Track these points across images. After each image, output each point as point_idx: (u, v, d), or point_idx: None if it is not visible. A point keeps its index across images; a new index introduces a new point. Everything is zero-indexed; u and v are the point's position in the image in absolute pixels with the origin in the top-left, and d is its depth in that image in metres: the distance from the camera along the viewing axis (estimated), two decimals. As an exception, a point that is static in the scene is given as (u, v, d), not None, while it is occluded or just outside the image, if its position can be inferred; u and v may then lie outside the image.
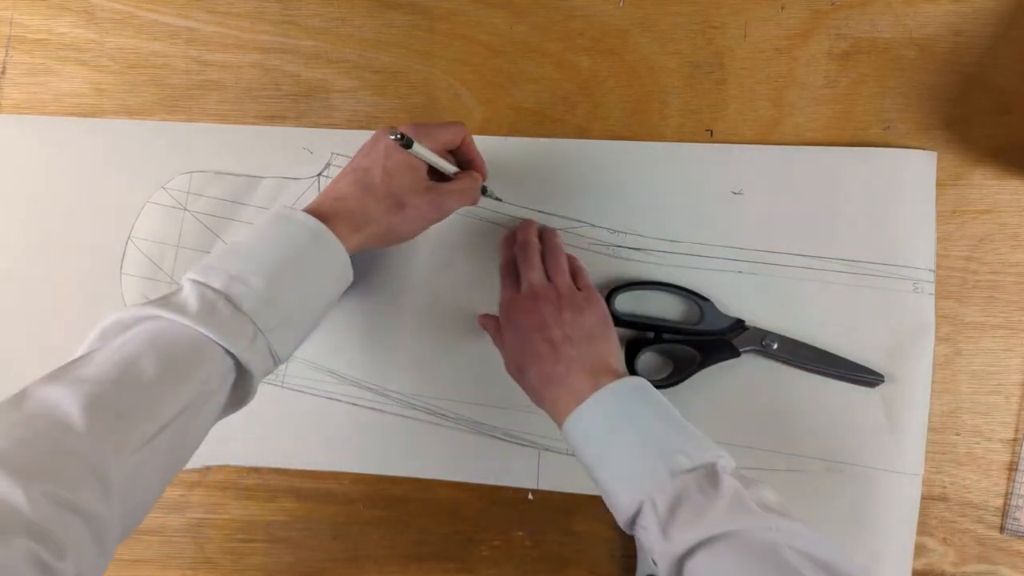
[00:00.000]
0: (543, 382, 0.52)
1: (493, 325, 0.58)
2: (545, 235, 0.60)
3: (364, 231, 0.52)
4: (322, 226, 0.50)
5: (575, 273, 0.58)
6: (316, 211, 0.51)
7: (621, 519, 0.47)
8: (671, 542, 0.44)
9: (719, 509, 0.43)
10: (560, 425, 0.51)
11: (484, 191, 0.60)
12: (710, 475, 0.45)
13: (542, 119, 0.65)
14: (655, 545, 0.45)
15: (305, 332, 0.51)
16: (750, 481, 0.46)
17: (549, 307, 0.54)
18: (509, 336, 0.55)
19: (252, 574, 0.62)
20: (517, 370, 0.54)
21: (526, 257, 0.57)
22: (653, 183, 0.63)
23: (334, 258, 0.51)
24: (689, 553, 0.43)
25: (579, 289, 0.56)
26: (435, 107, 0.65)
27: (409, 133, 0.52)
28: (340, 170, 0.55)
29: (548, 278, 0.56)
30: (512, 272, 0.58)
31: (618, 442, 0.48)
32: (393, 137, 0.50)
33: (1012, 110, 0.63)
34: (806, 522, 0.44)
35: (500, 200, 0.63)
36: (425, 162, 0.54)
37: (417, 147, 0.52)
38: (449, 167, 0.56)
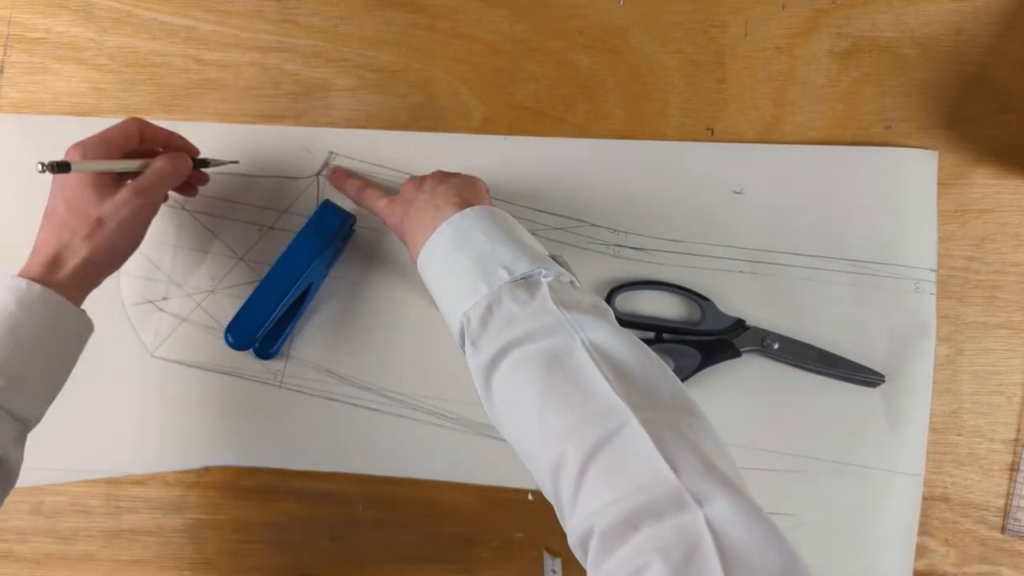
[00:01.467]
0: (408, 223, 0.52)
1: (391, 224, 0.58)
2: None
3: (71, 264, 0.51)
4: (19, 282, 0.49)
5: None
6: (25, 270, 0.51)
7: (458, 344, 0.47)
8: (479, 352, 0.44)
9: (525, 315, 0.43)
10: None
11: (206, 163, 0.59)
12: (527, 284, 0.45)
13: (542, 118, 0.64)
14: (469, 361, 0.45)
15: (52, 388, 0.51)
16: (568, 287, 0.45)
17: (428, 178, 0.55)
18: (400, 210, 0.55)
19: (251, 575, 0.62)
20: (402, 232, 0.54)
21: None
22: (654, 182, 0.63)
23: (46, 311, 0.49)
24: (493, 363, 0.43)
25: None
26: (435, 106, 0.65)
27: (72, 154, 0.51)
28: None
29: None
30: (372, 190, 0.59)
31: (449, 265, 0.48)
32: (40, 169, 0.48)
33: (1014, 109, 0.62)
34: (615, 326, 0.44)
35: (236, 162, 0.62)
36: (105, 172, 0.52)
37: (77, 165, 0.50)
38: (129, 164, 0.54)
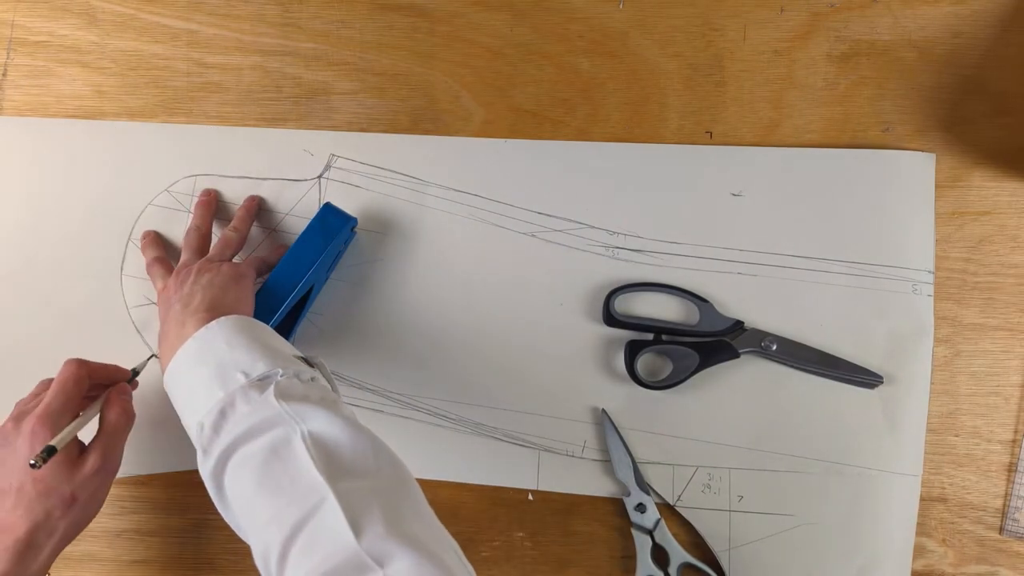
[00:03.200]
0: (161, 337, 0.51)
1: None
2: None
3: (46, 547, 0.50)
4: None
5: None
6: None
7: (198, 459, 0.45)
8: (208, 458, 0.43)
9: (250, 413, 0.42)
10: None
11: (135, 372, 0.58)
12: (261, 385, 0.44)
13: (542, 121, 0.65)
14: (200, 471, 0.43)
15: None
16: (295, 382, 0.45)
17: (191, 272, 0.54)
18: (161, 311, 0.55)
19: (252, 575, 0.62)
20: (158, 340, 0.53)
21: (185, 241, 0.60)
22: (653, 185, 0.63)
23: None
24: (220, 466, 0.42)
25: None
26: (435, 109, 0.65)
27: (44, 433, 0.49)
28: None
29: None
30: (159, 268, 0.60)
31: (190, 379, 0.47)
32: (35, 464, 0.47)
33: (1011, 112, 0.63)
34: (340, 405, 0.44)
35: (154, 356, 0.61)
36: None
37: (60, 443, 0.48)
38: (92, 414, 0.53)
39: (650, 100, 0.64)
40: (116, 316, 0.63)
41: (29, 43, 0.67)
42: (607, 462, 0.60)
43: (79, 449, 0.52)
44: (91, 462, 0.51)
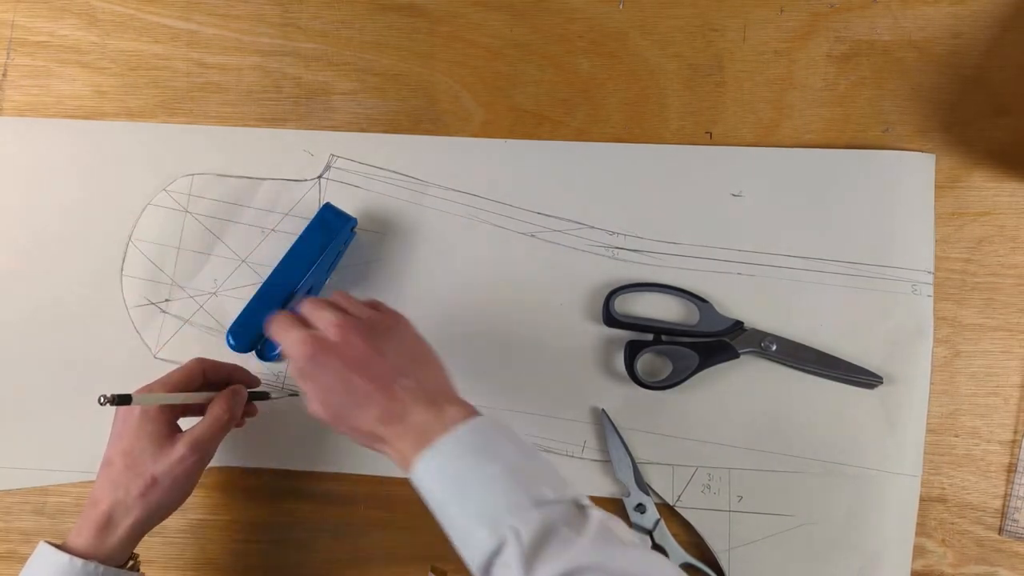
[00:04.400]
0: (378, 423, 0.46)
1: (293, 371, 0.49)
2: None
3: (122, 526, 0.50)
4: (70, 561, 0.48)
5: (367, 302, 0.52)
6: (74, 533, 0.50)
7: (477, 560, 0.42)
8: (535, 572, 0.40)
9: (585, 542, 0.40)
10: (407, 466, 0.45)
11: (262, 396, 0.58)
12: (577, 508, 0.43)
13: (542, 121, 0.65)
14: (502, 572, 0.41)
15: None
16: (609, 516, 0.44)
17: (359, 339, 0.47)
18: (319, 380, 0.47)
19: (253, 575, 0.62)
20: (335, 417, 0.47)
21: (314, 301, 0.50)
22: (652, 185, 0.63)
23: None
24: None
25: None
26: (435, 109, 0.65)
27: (135, 392, 0.49)
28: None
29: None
30: (292, 320, 0.50)
31: (477, 476, 0.43)
32: (102, 401, 0.46)
33: (1011, 112, 0.63)
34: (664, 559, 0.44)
35: (273, 398, 0.59)
36: (167, 406, 0.51)
37: (138, 397, 0.48)
38: (194, 398, 0.53)
39: (650, 100, 0.64)
40: (116, 316, 0.63)
41: (29, 43, 0.67)
42: (607, 462, 0.60)
43: (171, 432, 0.52)
44: (179, 448, 0.51)
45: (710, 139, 0.64)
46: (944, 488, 0.60)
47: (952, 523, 0.60)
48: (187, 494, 0.53)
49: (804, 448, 0.60)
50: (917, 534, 0.59)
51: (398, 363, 0.47)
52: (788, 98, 0.64)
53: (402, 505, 0.62)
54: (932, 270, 0.61)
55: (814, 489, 0.59)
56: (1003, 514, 0.60)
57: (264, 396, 0.59)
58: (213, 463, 0.62)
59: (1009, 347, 0.61)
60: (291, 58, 0.66)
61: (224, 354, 0.61)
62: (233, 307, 0.62)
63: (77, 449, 0.62)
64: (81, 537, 0.50)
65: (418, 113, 0.65)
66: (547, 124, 0.65)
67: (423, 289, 0.63)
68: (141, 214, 0.64)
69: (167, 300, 0.63)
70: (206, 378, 0.55)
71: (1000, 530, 0.60)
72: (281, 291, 0.58)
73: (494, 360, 0.62)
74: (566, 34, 0.65)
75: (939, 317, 0.61)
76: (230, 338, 0.58)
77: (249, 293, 0.60)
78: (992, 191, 0.62)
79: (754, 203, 0.63)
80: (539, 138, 0.64)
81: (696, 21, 0.65)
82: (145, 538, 0.62)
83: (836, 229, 0.62)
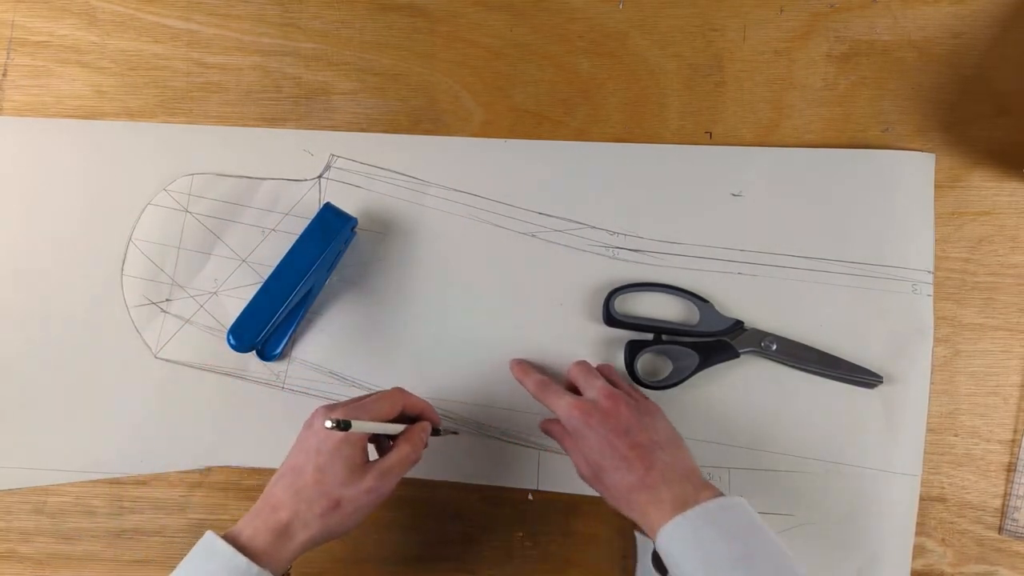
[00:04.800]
0: (632, 488, 0.50)
1: (558, 430, 0.56)
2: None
3: (298, 538, 0.50)
4: (248, 565, 0.47)
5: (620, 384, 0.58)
6: (249, 532, 0.49)
7: None
8: None
9: None
10: (652, 532, 0.49)
11: (438, 432, 0.58)
12: None
13: (542, 121, 0.65)
14: None
15: None
16: None
17: (628, 411, 0.53)
18: (588, 441, 0.53)
19: (253, 575, 0.62)
20: (594, 476, 0.53)
21: (586, 368, 0.57)
22: (652, 185, 0.63)
23: None
24: None
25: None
26: (435, 109, 0.65)
27: (344, 414, 0.50)
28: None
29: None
30: (554, 386, 0.56)
31: (720, 552, 0.46)
32: (330, 425, 0.47)
33: (1011, 112, 0.63)
34: None
35: (456, 433, 0.61)
36: (366, 434, 0.52)
37: (356, 424, 0.49)
38: (393, 428, 0.54)
39: (650, 100, 0.65)
40: (116, 316, 0.63)
41: (29, 43, 0.67)
42: (607, 462, 0.60)
43: (363, 460, 0.52)
44: (368, 478, 0.51)
45: (710, 139, 0.64)
46: (944, 487, 0.60)
47: (952, 522, 0.60)
48: (359, 523, 0.53)
49: (804, 447, 0.60)
50: (917, 533, 0.59)
51: (657, 439, 0.52)
52: (788, 98, 0.64)
53: (401, 505, 0.62)
54: (931, 269, 0.61)
55: (814, 488, 0.60)
56: (1003, 513, 0.60)
57: (437, 432, 0.58)
58: (214, 463, 0.62)
59: (1009, 346, 0.61)
60: (291, 58, 0.66)
61: (227, 354, 0.61)
62: (234, 307, 0.62)
63: (77, 449, 0.62)
64: (259, 539, 0.49)
65: (418, 113, 0.65)
66: (547, 124, 0.65)
67: (423, 288, 0.63)
68: (141, 214, 0.64)
69: (167, 300, 0.63)
70: (405, 408, 0.55)
71: (1000, 529, 0.60)
72: (282, 291, 0.58)
73: (494, 360, 0.62)
74: (566, 34, 0.65)
75: (939, 317, 0.61)
76: (231, 338, 0.58)
77: (249, 293, 0.60)
78: (992, 191, 0.62)
79: (754, 203, 0.63)
80: (539, 138, 0.64)
81: (696, 21, 0.65)
82: (144, 538, 0.62)
83: (836, 229, 0.62)
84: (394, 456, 0.52)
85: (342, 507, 0.50)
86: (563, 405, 0.54)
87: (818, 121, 0.64)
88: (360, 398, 0.54)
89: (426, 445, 0.55)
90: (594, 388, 0.55)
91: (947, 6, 0.64)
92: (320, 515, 0.50)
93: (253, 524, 0.50)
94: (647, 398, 0.57)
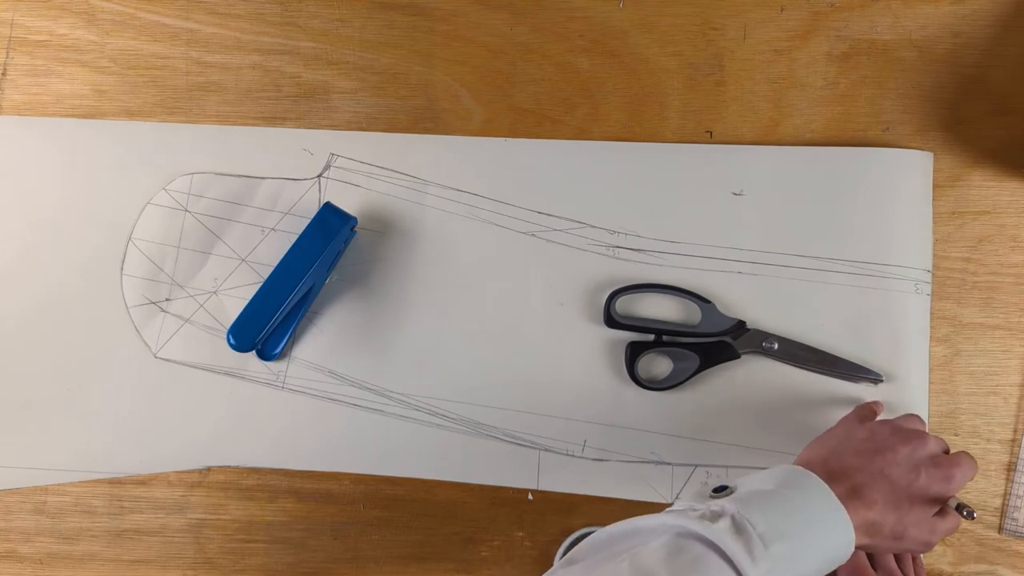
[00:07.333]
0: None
1: None
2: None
3: (876, 538, 0.47)
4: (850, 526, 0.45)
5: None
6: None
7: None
8: None
9: None
10: None
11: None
12: None
13: (542, 120, 0.65)
14: None
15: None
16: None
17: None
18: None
19: (253, 574, 0.62)
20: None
21: None
22: (653, 184, 0.63)
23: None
24: None
25: None
26: (435, 108, 0.65)
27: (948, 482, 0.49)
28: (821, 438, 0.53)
29: None
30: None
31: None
32: (967, 516, 0.48)
33: (1011, 111, 0.63)
34: None
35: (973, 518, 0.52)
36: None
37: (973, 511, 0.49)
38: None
39: (650, 99, 0.64)
40: (116, 315, 0.63)
41: (28, 42, 0.67)
42: (607, 462, 0.60)
43: None
44: (929, 524, 0.49)
45: (710, 138, 0.64)
46: (944, 487, 0.60)
47: (952, 522, 0.60)
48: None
49: (803, 446, 0.60)
50: (917, 533, 0.59)
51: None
52: (788, 97, 0.64)
53: (401, 505, 0.62)
54: (930, 268, 0.61)
55: (814, 488, 0.59)
56: (1003, 513, 0.60)
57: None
58: (214, 463, 0.62)
59: (1009, 346, 0.61)
60: (290, 57, 0.66)
61: (226, 354, 0.61)
62: (233, 306, 0.62)
63: (78, 449, 0.62)
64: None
65: (418, 112, 0.65)
66: (547, 123, 0.65)
67: (423, 288, 0.63)
68: (141, 213, 0.64)
69: (167, 299, 0.63)
70: None
71: (1000, 529, 0.60)
72: (281, 290, 0.58)
73: (494, 359, 0.62)
74: (566, 33, 0.65)
75: (939, 316, 0.61)
76: (230, 337, 0.58)
77: (249, 292, 0.59)
78: (992, 190, 0.62)
79: (755, 202, 0.63)
80: (539, 137, 0.64)
81: (696, 20, 0.65)
82: (144, 537, 0.62)
83: (836, 227, 0.62)
84: (946, 523, 0.50)
85: (901, 540, 0.49)
86: None
87: (818, 120, 0.64)
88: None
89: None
90: None
91: (948, 5, 0.64)
92: (890, 535, 0.48)
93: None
94: None
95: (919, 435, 0.51)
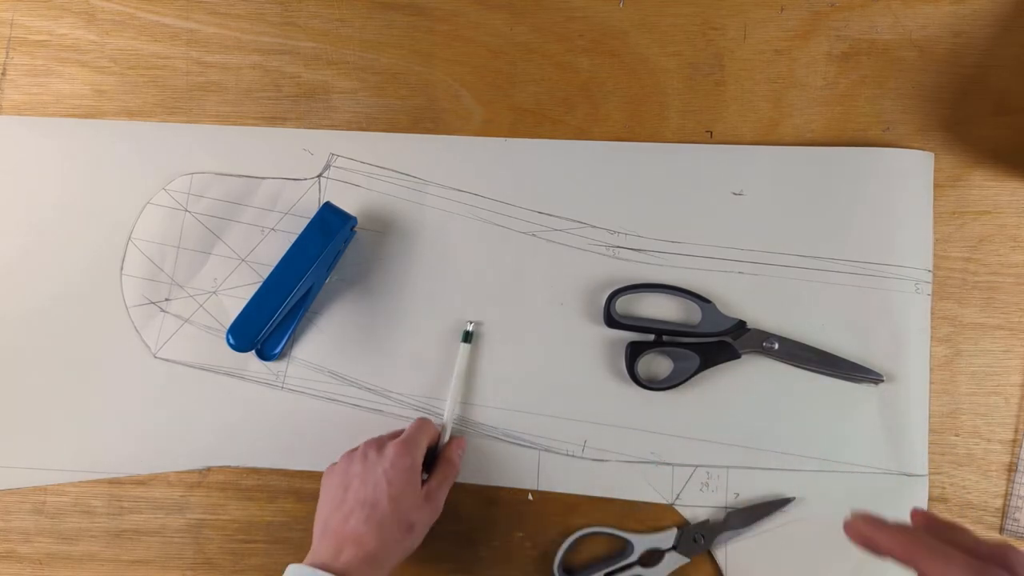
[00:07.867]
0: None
1: None
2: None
3: (386, 567, 0.51)
4: None
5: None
6: (341, 566, 0.49)
7: None
8: None
9: None
10: None
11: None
12: None
13: (542, 120, 0.65)
14: None
15: None
16: None
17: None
18: None
19: (252, 574, 0.62)
20: None
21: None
22: (653, 184, 0.63)
23: None
24: None
25: None
26: (435, 108, 0.65)
27: (407, 448, 0.54)
28: (337, 462, 0.56)
29: None
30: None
31: None
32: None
33: (1012, 111, 0.63)
34: None
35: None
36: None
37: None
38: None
39: (650, 99, 0.64)
40: (116, 315, 0.63)
41: (28, 42, 0.67)
42: (607, 462, 0.60)
43: (421, 482, 0.55)
44: (433, 499, 0.55)
45: (711, 138, 0.64)
46: (945, 488, 0.60)
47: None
48: (418, 544, 0.55)
49: (804, 447, 0.60)
50: (918, 533, 0.59)
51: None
52: (788, 97, 0.64)
53: (402, 505, 0.62)
54: (931, 268, 0.61)
55: (813, 487, 0.59)
56: (1004, 513, 0.60)
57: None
58: (213, 463, 0.62)
59: (1010, 346, 0.61)
60: (290, 56, 0.66)
61: (226, 354, 0.61)
62: (233, 306, 0.62)
63: (77, 449, 0.62)
64: (355, 572, 0.49)
65: (418, 112, 0.65)
66: (547, 123, 0.65)
67: (423, 288, 0.63)
68: (140, 213, 0.64)
69: (167, 299, 0.63)
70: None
71: (1001, 529, 0.60)
72: (281, 290, 0.58)
73: (494, 360, 0.62)
74: (566, 33, 0.65)
75: (940, 316, 0.61)
76: (230, 337, 0.58)
77: (249, 292, 0.59)
78: (993, 190, 0.62)
79: (755, 202, 0.63)
80: (539, 137, 0.64)
81: (696, 20, 0.65)
82: (144, 538, 0.62)
83: (837, 227, 0.62)
84: (439, 474, 0.57)
85: (415, 530, 0.53)
86: None
87: (819, 120, 0.64)
88: (395, 433, 0.57)
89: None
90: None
91: (948, 5, 0.64)
92: (397, 541, 0.52)
93: (341, 559, 0.49)
94: None
95: (374, 443, 0.56)
